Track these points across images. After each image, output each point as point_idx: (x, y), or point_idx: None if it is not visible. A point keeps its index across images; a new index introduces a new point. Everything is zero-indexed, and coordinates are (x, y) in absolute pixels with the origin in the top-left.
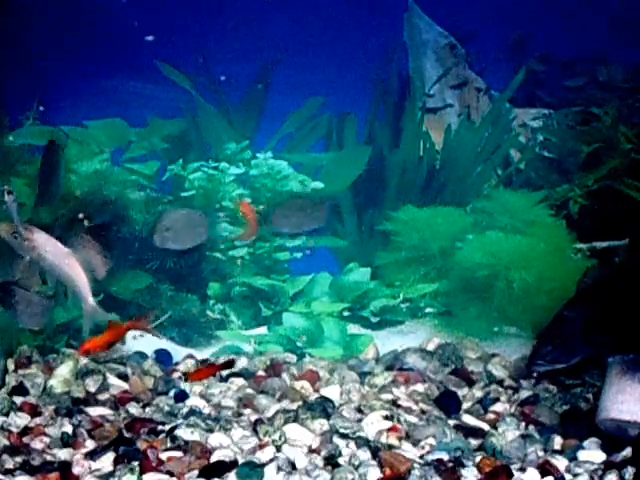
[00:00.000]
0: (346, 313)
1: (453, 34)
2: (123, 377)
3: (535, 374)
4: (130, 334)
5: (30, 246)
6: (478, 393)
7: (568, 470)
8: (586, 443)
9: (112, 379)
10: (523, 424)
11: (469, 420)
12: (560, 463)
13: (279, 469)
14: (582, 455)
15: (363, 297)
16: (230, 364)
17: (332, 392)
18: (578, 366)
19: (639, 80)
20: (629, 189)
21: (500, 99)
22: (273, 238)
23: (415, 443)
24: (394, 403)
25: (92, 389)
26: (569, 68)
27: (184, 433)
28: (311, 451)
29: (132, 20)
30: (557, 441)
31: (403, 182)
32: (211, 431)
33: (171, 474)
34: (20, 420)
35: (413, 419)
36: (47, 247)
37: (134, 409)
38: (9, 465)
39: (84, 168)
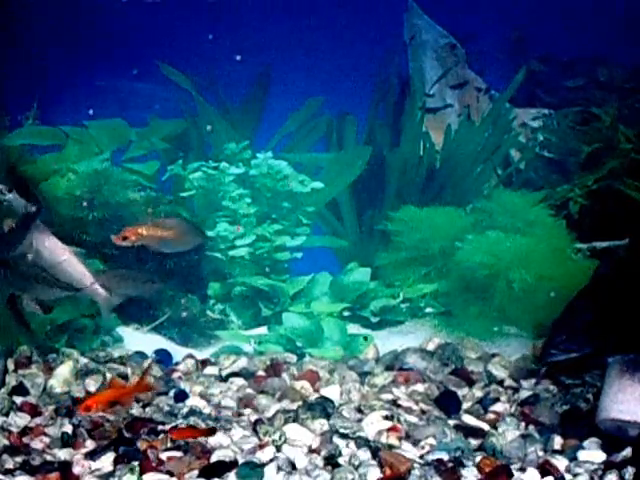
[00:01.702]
0: (346, 313)
1: (453, 34)
2: (123, 377)
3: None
4: (131, 332)
5: (27, 243)
6: (478, 393)
7: (568, 470)
8: (586, 443)
9: None
10: (523, 424)
11: (469, 420)
12: (560, 463)
13: (279, 469)
14: (582, 455)
15: (363, 297)
16: (212, 432)
17: (332, 392)
18: (589, 358)
19: (639, 80)
20: (629, 189)
21: (500, 99)
22: (273, 238)
23: (415, 443)
24: (394, 403)
25: (92, 389)
26: (569, 68)
27: None
28: (311, 451)
29: (132, 20)
30: (557, 441)
31: (403, 182)
32: None
33: (171, 474)
34: (20, 420)
35: (413, 419)
36: (44, 244)
37: (134, 409)
38: (9, 465)
39: (84, 168)
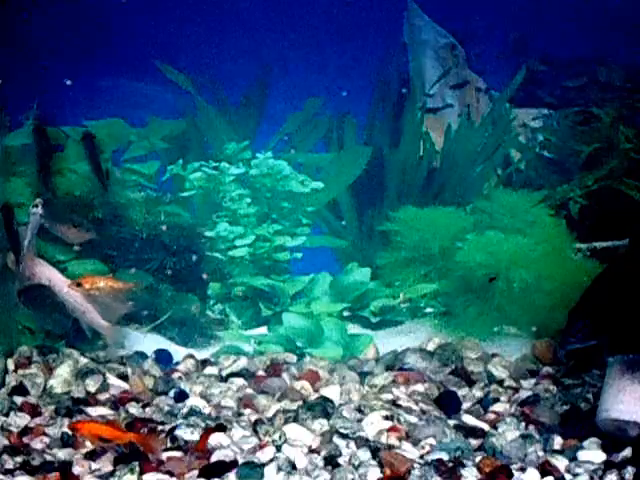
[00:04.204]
0: (346, 313)
1: (453, 34)
2: (123, 377)
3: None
4: (131, 332)
5: (30, 276)
6: (478, 393)
7: (568, 470)
8: (586, 443)
9: (112, 379)
10: (523, 424)
11: (469, 420)
12: (560, 463)
13: (279, 469)
14: (582, 455)
15: (363, 297)
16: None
17: (332, 392)
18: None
19: (639, 80)
20: (629, 189)
21: (500, 99)
22: (273, 238)
23: (415, 443)
24: (394, 403)
25: (92, 389)
26: (569, 68)
27: (184, 433)
28: (311, 451)
29: (132, 20)
30: (557, 441)
31: (403, 182)
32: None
33: (171, 474)
34: (20, 420)
35: (413, 419)
36: (48, 278)
37: (134, 409)
38: (9, 465)
39: (84, 168)
